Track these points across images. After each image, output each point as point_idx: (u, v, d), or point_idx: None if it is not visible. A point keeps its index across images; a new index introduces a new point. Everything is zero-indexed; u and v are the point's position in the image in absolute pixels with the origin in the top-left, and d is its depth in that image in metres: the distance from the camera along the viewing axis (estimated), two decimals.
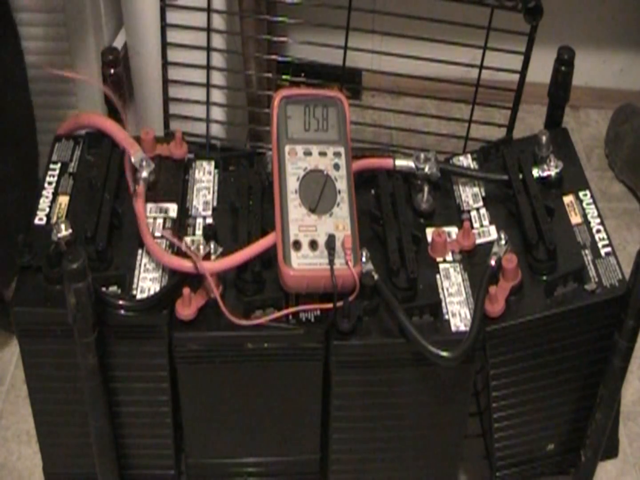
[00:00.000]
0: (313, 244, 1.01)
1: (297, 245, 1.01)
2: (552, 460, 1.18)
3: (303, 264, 1.00)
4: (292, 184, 1.04)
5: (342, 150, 1.07)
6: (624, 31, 1.95)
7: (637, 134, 1.82)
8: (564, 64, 1.22)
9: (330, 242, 1.01)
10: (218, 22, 1.37)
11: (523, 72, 1.30)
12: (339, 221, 1.03)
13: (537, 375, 1.09)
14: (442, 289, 1.06)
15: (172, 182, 1.14)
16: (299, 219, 1.02)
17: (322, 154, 1.06)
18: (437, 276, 1.08)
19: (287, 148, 1.06)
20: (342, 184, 1.05)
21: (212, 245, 1.04)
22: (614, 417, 1.17)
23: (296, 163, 1.05)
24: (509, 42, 1.28)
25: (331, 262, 1.00)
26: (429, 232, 1.11)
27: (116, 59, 1.21)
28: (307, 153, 1.06)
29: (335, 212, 1.03)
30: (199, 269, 1.00)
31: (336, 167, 1.06)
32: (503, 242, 1.06)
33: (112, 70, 1.21)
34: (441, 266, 1.09)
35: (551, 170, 1.15)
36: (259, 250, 1.03)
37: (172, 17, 1.33)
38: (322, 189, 1.04)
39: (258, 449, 1.13)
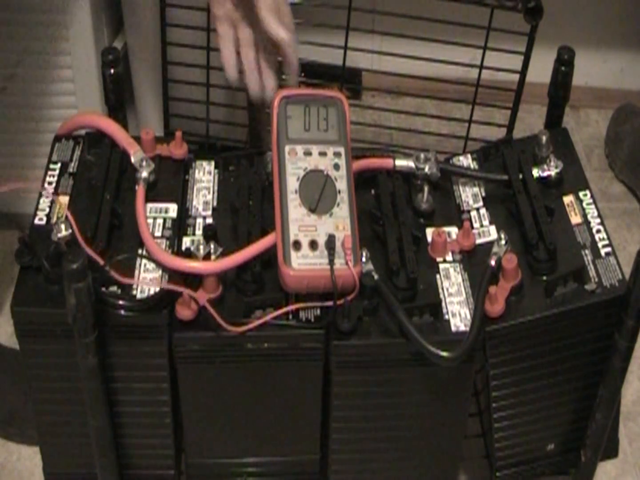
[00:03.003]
0: (313, 244, 1.01)
1: (297, 245, 1.01)
2: (552, 460, 1.18)
3: (303, 264, 1.00)
4: (292, 184, 1.04)
5: (342, 150, 1.07)
6: (624, 31, 1.95)
7: (637, 134, 1.82)
8: (564, 64, 1.22)
9: (330, 242, 1.01)
10: None
11: (523, 72, 1.30)
12: (339, 221, 1.03)
13: (537, 375, 1.09)
14: (442, 289, 1.06)
15: (172, 182, 1.14)
16: (299, 219, 1.02)
17: (322, 154, 1.06)
18: (437, 276, 1.08)
19: (287, 148, 1.06)
20: (342, 184, 1.05)
21: (212, 245, 1.04)
22: (614, 417, 1.17)
23: (296, 163, 1.05)
24: (509, 42, 1.28)
25: (331, 262, 1.00)
26: (429, 232, 1.11)
27: (116, 59, 1.21)
28: (307, 153, 1.06)
29: (335, 212, 1.03)
30: (198, 269, 1.00)
31: (336, 167, 1.06)
32: (503, 242, 1.06)
33: (112, 70, 1.21)
34: (441, 266, 1.09)
35: (551, 170, 1.15)
36: (259, 250, 1.03)
37: (172, 16, 1.33)
38: (322, 189, 1.04)
39: (258, 449, 1.13)
